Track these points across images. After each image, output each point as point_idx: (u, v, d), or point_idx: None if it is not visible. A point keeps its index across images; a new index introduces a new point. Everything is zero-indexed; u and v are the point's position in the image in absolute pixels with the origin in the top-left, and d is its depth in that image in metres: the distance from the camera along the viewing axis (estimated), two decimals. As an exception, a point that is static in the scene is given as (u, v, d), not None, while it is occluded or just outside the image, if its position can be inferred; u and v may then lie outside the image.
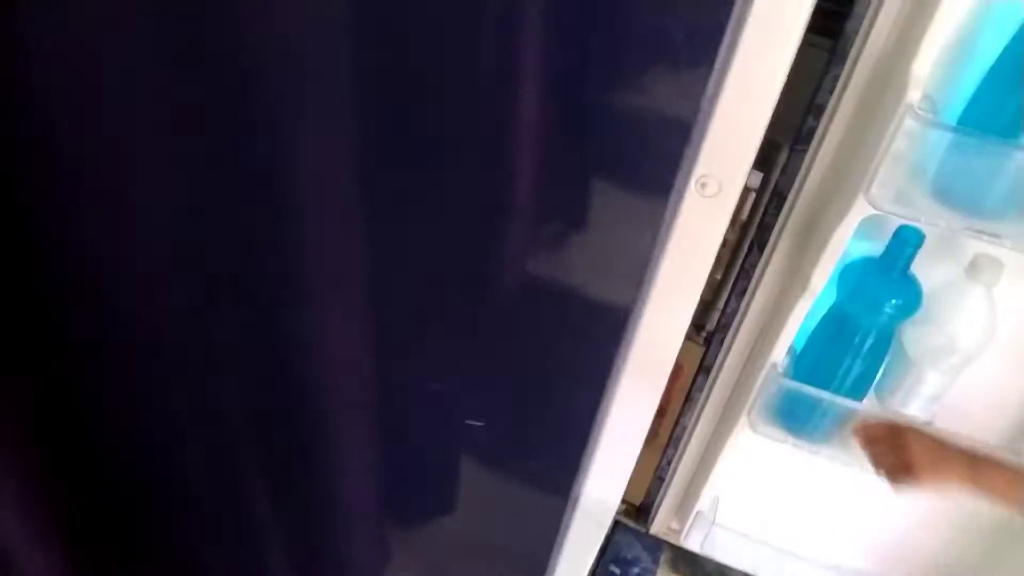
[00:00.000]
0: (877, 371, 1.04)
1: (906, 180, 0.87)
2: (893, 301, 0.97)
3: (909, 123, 0.82)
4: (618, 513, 1.44)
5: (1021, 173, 0.84)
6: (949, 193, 0.89)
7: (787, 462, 1.23)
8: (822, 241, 0.93)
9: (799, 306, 0.98)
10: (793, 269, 1.03)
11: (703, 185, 1.03)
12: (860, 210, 0.88)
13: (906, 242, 0.93)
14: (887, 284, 0.96)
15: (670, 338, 1.17)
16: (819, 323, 1.05)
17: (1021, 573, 1.23)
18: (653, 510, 1.40)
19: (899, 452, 0.86)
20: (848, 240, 0.92)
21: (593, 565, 1.35)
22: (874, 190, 0.86)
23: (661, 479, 1.36)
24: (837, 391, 1.04)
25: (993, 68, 0.86)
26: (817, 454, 1.10)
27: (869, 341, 1.00)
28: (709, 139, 1.01)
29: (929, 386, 1.01)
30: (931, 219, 0.86)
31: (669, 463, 1.34)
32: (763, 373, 1.06)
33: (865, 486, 1.13)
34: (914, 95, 0.83)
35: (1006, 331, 0.99)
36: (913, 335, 0.99)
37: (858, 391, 1.05)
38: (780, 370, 1.05)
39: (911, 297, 0.96)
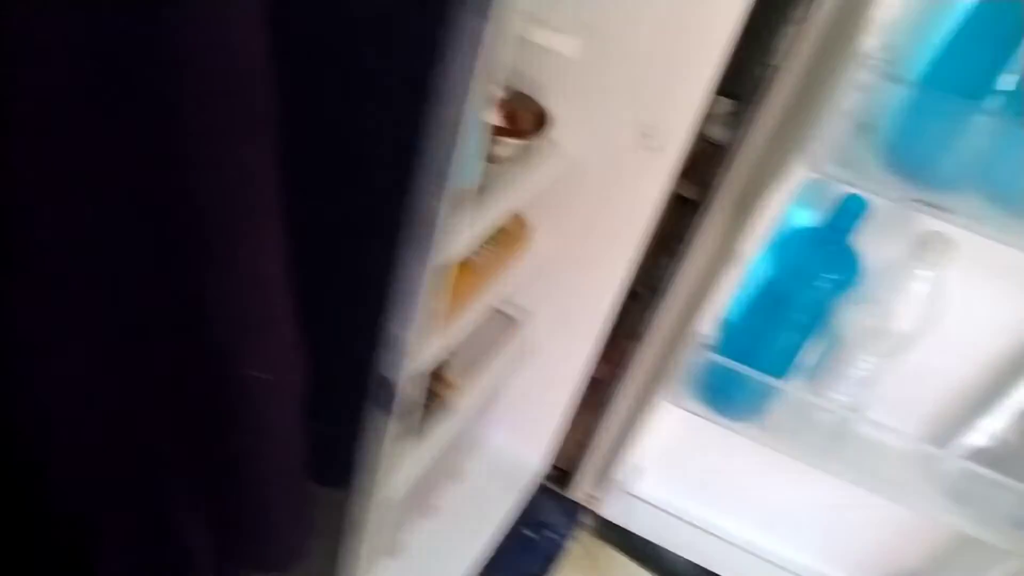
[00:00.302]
0: (801, 347, 0.95)
1: (853, 141, 0.78)
2: (828, 275, 0.88)
3: (862, 74, 0.72)
4: (547, 478, 1.37)
5: (982, 139, 0.74)
6: (901, 159, 0.79)
7: (710, 436, 1.16)
8: (756, 205, 0.84)
9: (728, 274, 0.90)
10: (727, 234, 0.94)
11: (645, 136, 0.93)
12: (798, 172, 0.78)
13: (847, 211, 0.83)
14: (824, 255, 0.87)
15: (604, 295, 1.09)
16: (752, 295, 0.96)
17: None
18: (575, 476, 1.33)
19: None
20: (786, 206, 0.83)
21: (508, 526, 1.30)
22: (815, 149, 0.76)
23: (585, 445, 1.30)
24: (762, 368, 0.96)
25: (965, 21, 0.76)
26: (738, 433, 1.03)
27: (800, 316, 0.92)
28: (652, 88, 0.92)
29: (859, 370, 0.93)
30: (877, 187, 0.77)
31: (594, 429, 1.27)
32: (687, 343, 0.98)
33: (784, 466, 1.06)
34: (870, 43, 0.73)
35: (951, 320, 0.91)
36: (848, 314, 0.90)
37: (782, 368, 0.97)
38: (705, 342, 0.96)
39: (848, 271, 0.87)
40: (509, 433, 1.36)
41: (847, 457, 1.01)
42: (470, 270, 0.91)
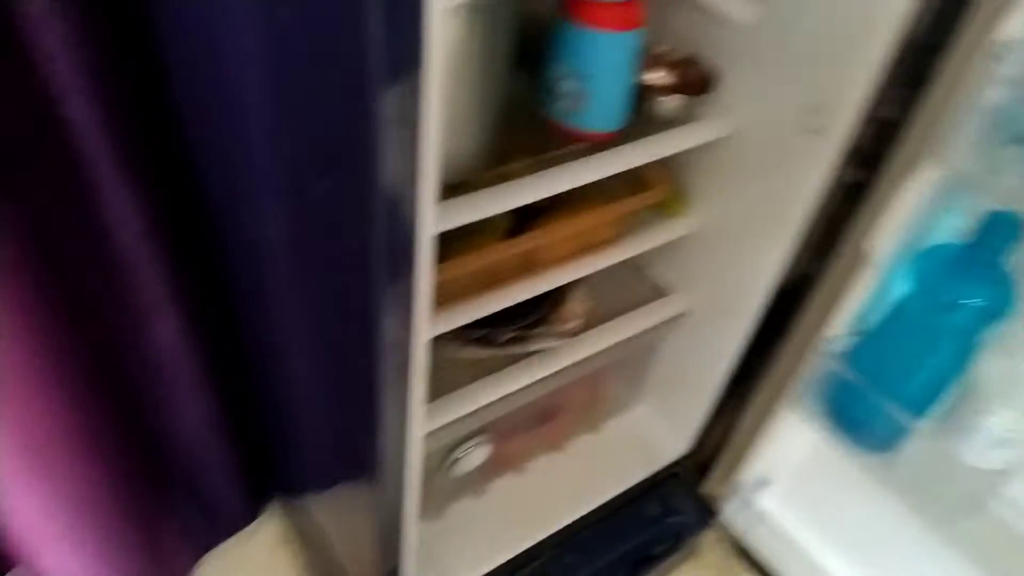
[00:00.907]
0: (944, 386, 0.83)
1: (1001, 139, 0.67)
2: (969, 299, 0.76)
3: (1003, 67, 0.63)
4: (683, 466, 1.36)
5: None
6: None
7: (844, 467, 1.05)
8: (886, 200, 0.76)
9: (855, 278, 0.82)
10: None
11: (810, 115, 0.89)
12: (930, 168, 0.70)
13: (996, 229, 0.72)
14: (968, 277, 0.76)
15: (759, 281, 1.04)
16: (890, 310, 0.86)
17: None
18: (710, 472, 1.30)
19: None
20: (927, 213, 0.74)
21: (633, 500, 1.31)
22: (949, 143, 0.67)
23: (723, 442, 1.25)
24: (892, 395, 0.86)
25: None
26: (862, 468, 0.94)
27: (941, 345, 0.81)
28: (822, 66, 0.85)
29: (998, 427, 0.79)
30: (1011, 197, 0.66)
31: (732, 427, 1.22)
32: (814, 349, 0.91)
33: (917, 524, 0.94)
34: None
35: None
36: (992, 355, 0.77)
37: (920, 404, 0.85)
38: (834, 351, 0.89)
39: (998, 298, 0.75)
40: (655, 408, 1.36)
41: (978, 535, 0.87)
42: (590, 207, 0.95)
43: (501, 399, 0.97)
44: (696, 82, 0.93)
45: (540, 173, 0.82)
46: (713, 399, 1.22)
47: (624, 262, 1.17)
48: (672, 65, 0.94)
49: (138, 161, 0.80)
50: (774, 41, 0.87)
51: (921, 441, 0.88)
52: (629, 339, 1.12)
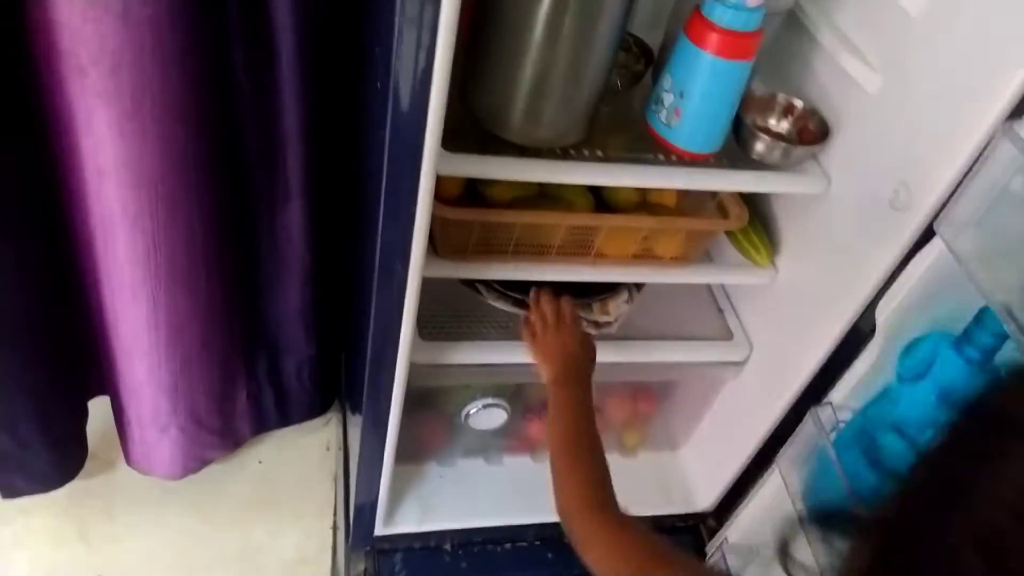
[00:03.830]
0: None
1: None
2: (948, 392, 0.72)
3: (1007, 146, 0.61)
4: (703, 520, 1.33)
5: None
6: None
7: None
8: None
9: (858, 351, 0.80)
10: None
11: (897, 192, 0.88)
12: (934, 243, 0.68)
13: (985, 327, 0.67)
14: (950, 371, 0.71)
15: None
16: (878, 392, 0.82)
17: None
18: (722, 528, 1.27)
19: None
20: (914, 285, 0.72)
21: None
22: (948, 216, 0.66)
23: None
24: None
25: None
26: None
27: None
28: (920, 148, 0.83)
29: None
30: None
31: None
32: (816, 414, 0.89)
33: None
34: None
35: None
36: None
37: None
38: (830, 422, 0.86)
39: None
40: (695, 454, 1.35)
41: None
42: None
43: (508, 365, 1.03)
44: (810, 133, 0.95)
45: (592, 163, 0.87)
46: (746, 458, 1.20)
47: (707, 299, 1.19)
48: (787, 110, 0.97)
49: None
50: (887, 113, 0.87)
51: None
52: (667, 365, 1.13)
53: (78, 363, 1.18)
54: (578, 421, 0.78)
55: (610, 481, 0.73)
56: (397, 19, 0.63)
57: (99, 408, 1.25)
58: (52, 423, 1.17)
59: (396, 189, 0.74)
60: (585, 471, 0.73)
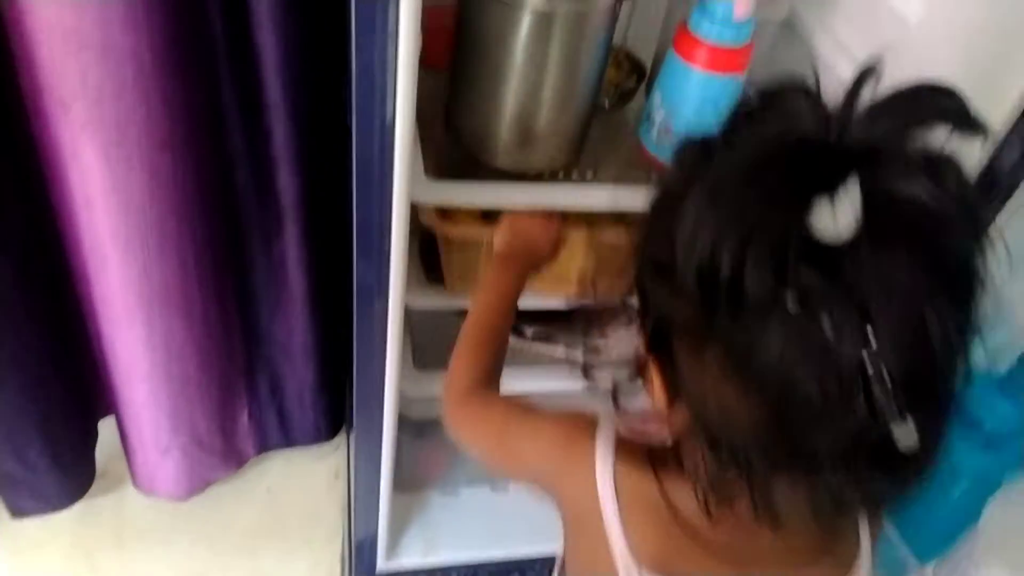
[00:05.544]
0: (959, 530, 0.73)
1: None
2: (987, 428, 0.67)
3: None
4: None
5: None
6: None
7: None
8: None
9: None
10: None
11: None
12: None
13: None
14: (991, 410, 0.67)
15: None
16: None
17: None
18: None
19: None
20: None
21: None
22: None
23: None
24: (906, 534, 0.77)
25: None
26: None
27: (956, 484, 0.71)
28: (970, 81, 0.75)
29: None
30: None
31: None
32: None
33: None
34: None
35: None
36: (996, 505, 0.67)
37: (927, 550, 0.76)
38: None
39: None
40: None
41: None
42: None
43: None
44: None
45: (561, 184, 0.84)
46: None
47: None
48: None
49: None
50: (928, 49, 0.80)
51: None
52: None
53: (84, 386, 1.19)
54: (498, 303, 0.76)
55: (497, 377, 0.72)
56: (352, 54, 0.61)
57: (110, 428, 1.26)
58: (59, 446, 1.18)
59: (367, 226, 0.72)
60: (473, 358, 0.71)
